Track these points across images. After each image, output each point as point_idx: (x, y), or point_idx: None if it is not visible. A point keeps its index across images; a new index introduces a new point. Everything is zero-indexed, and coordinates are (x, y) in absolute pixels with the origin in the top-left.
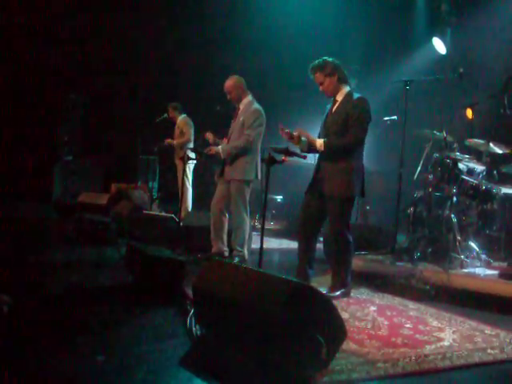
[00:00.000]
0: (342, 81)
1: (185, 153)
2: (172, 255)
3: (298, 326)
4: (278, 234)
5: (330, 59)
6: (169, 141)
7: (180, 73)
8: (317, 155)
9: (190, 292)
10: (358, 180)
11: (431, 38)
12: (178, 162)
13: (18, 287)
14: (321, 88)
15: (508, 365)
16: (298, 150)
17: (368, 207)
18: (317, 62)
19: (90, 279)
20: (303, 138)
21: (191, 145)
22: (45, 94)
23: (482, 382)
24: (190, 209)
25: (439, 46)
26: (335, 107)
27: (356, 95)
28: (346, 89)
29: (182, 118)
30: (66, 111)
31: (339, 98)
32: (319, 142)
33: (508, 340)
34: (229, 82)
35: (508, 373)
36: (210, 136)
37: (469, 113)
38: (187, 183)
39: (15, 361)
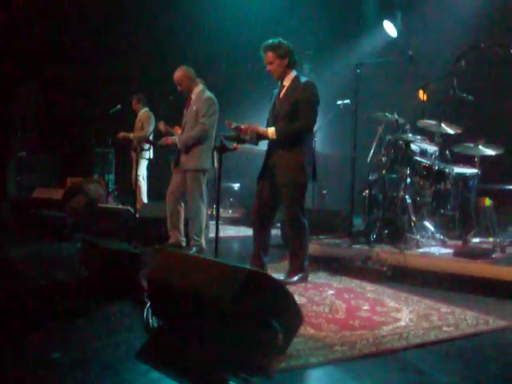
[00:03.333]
0: (292, 65)
1: (138, 145)
2: (127, 248)
3: (252, 314)
4: (235, 222)
5: (285, 42)
6: (124, 134)
7: (132, 63)
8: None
9: (146, 284)
10: (309, 165)
11: (382, 21)
12: (133, 155)
13: None
14: (268, 67)
15: (463, 341)
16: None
17: (324, 191)
18: (271, 41)
19: (45, 275)
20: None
21: None
22: None
23: (438, 360)
24: (145, 200)
25: (390, 29)
26: (283, 92)
27: (303, 79)
28: (293, 73)
29: (144, 112)
30: (19, 105)
31: (286, 82)
32: (271, 131)
33: (463, 317)
34: (178, 74)
35: (463, 349)
36: (162, 126)
37: (421, 94)
38: (141, 175)
39: None
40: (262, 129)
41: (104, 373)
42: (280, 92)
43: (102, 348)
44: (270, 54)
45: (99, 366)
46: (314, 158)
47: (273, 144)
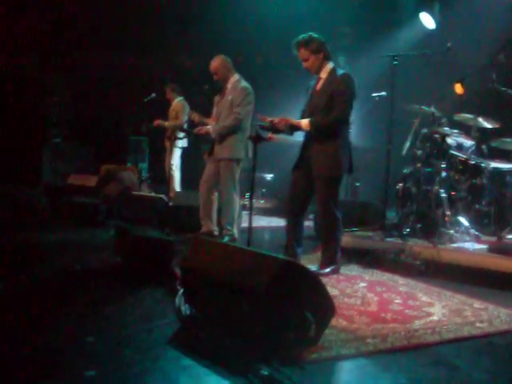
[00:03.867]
0: (327, 57)
1: (173, 134)
2: (161, 235)
3: (286, 304)
4: (267, 212)
5: (316, 35)
6: (159, 122)
7: (170, 52)
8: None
9: (178, 272)
10: (345, 157)
11: (419, 12)
12: (167, 144)
13: (7, 269)
14: (304, 65)
15: (497, 338)
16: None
17: (357, 184)
18: (301, 37)
19: (79, 261)
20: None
21: None
22: (33, 76)
23: (471, 356)
24: (178, 189)
25: (427, 20)
26: (320, 84)
27: (340, 71)
28: (330, 65)
29: (178, 101)
30: (55, 93)
31: (323, 75)
32: (304, 123)
33: (496, 313)
34: (214, 63)
35: (496, 346)
36: (195, 116)
37: (458, 87)
38: (175, 164)
39: (3, 342)
40: (295, 120)
41: (136, 358)
42: (317, 84)
43: (134, 333)
44: (302, 51)
45: (131, 351)
46: (350, 150)
47: (309, 135)
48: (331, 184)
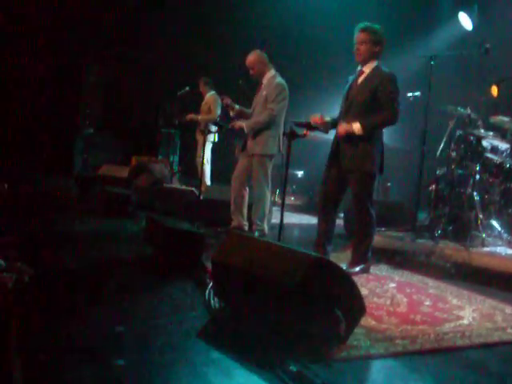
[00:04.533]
0: (377, 55)
1: (206, 127)
2: (192, 228)
3: (316, 300)
4: (297, 209)
5: (382, 30)
6: (192, 116)
7: (202, 45)
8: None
9: (208, 265)
10: (378, 155)
11: (457, 12)
12: (199, 137)
13: (38, 258)
14: (357, 46)
15: None
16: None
17: (389, 184)
18: (372, 24)
19: (109, 251)
20: (327, 119)
21: None
22: (66, 69)
23: (501, 362)
24: (208, 183)
25: (465, 21)
26: (362, 78)
27: (386, 69)
28: (375, 62)
29: (211, 95)
30: (87, 84)
31: (367, 69)
32: (356, 127)
33: None
34: (251, 58)
35: None
36: (227, 100)
37: (494, 90)
38: (206, 158)
39: (35, 330)
40: (346, 125)
41: (165, 349)
42: (358, 78)
43: (163, 325)
44: (363, 35)
45: (160, 343)
46: (382, 150)
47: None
48: (365, 180)
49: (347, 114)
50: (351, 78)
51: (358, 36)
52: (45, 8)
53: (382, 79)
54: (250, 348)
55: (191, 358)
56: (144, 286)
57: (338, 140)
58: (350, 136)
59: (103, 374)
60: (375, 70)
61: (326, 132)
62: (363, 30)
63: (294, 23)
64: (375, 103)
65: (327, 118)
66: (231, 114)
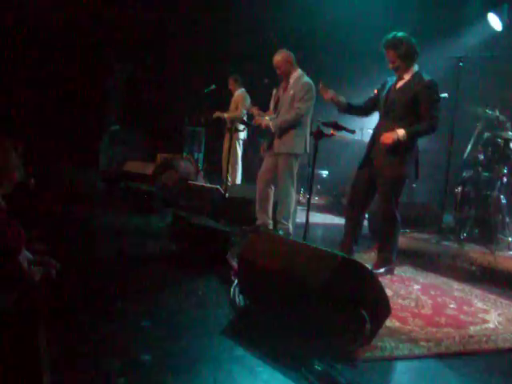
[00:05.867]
0: (412, 62)
1: (232, 125)
2: (218, 226)
3: (343, 300)
4: (322, 209)
5: (406, 38)
6: (218, 113)
7: (228, 43)
8: (364, 131)
9: (234, 262)
10: (412, 161)
11: (486, 13)
12: (227, 135)
13: (65, 253)
14: (390, 65)
15: None
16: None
17: (415, 185)
18: (392, 38)
19: (135, 247)
20: (341, 98)
21: None
22: (94, 65)
23: None
24: (238, 182)
25: (495, 22)
26: (401, 84)
27: (426, 76)
28: (414, 68)
29: (240, 92)
30: (114, 81)
31: (406, 76)
32: (401, 133)
33: None
34: (278, 57)
35: None
36: (255, 111)
37: None
38: (237, 157)
39: (63, 325)
40: (392, 133)
41: (190, 345)
42: (397, 83)
43: (188, 321)
44: (391, 53)
45: (186, 338)
46: (417, 155)
47: (378, 135)
48: (395, 184)
49: (387, 117)
50: (390, 80)
51: (385, 55)
52: (71, 7)
53: (423, 86)
54: (275, 346)
55: (216, 354)
56: (169, 283)
57: (372, 143)
58: (388, 145)
59: (130, 368)
60: (416, 76)
61: (354, 133)
62: (386, 47)
63: (321, 21)
64: (415, 109)
65: (341, 97)
66: (255, 114)
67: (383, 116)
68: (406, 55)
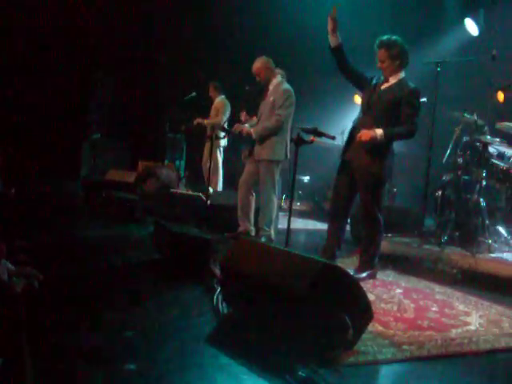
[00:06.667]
0: (402, 66)
1: (213, 132)
2: (200, 233)
3: (325, 306)
4: (303, 215)
5: (400, 42)
6: (199, 120)
7: (209, 51)
8: (344, 136)
9: (216, 270)
10: (388, 163)
11: (463, 18)
12: (208, 142)
13: (47, 263)
14: (379, 65)
15: None
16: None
17: (395, 189)
18: (386, 38)
19: (117, 256)
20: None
21: None
22: (73, 73)
23: (508, 367)
24: (219, 189)
25: (471, 27)
26: (386, 86)
27: (412, 84)
28: (401, 74)
29: (220, 99)
30: (95, 89)
31: (392, 80)
32: (379, 133)
33: None
34: (256, 64)
35: None
36: (243, 116)
37: (500, 96)
38: (217, 164)
39: (44, 335)
40: (370, 131)
41: (174, 354)
42: (382, 84)
43: (172, 330)
44: (382, 51)
45: (169, 348)
46: (392, 157)
47: (353, 139)
48: (375, 187)
49: (367, 114)
50: (375, 77)
51: (377, 53)
52: (49, 11)
53: (407, 93)
54: (259, 353)
55: (200, 362)
56: (153, 291)
57: (347, 147)
58: (362, 144)
59: (114, 378)
60: (402, 81)
61: (333, 138)
62: (379, 46)
63: (301, 30)
64: (395, 113)
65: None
66: (242, 120)
67: (365, 112)
68: (396, 57)
